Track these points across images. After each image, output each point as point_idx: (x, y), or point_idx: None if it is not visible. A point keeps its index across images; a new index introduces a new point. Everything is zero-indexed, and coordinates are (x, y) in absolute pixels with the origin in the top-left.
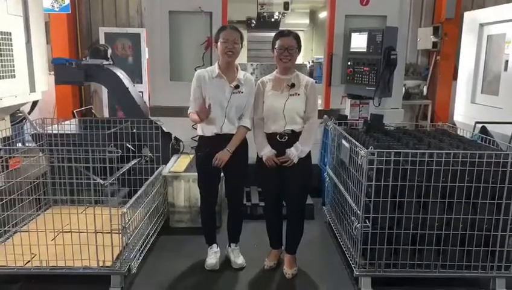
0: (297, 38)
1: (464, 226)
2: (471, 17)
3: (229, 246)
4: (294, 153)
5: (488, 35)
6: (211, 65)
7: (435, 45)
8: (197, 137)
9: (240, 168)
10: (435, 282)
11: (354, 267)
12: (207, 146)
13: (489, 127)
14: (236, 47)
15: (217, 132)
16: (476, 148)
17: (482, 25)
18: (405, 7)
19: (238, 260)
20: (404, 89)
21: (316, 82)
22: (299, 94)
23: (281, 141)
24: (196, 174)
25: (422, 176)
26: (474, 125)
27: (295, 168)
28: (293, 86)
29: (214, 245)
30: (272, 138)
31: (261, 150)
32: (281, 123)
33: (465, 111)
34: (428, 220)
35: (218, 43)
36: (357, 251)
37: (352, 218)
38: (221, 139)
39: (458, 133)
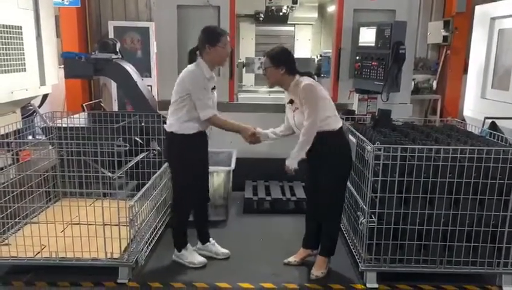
0: (270, 56)
1: (470, 222)
2: (483, 11)
3: (208, 242)
4: (287, 162)
5: (499, 29)
6: None
7: (445, 39)
8: (169, 140)
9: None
10: (441, 278)
11: (360, 262)
12: (200, 143)
13: (499, 122)
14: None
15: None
16: (484, 144)
17: (493, 19)
18: (414, 1)
19: (223, 250)
20: (413, 83)
21: (323, 76)
22: (298, 108)
23: None
24: None
25: (428, 171)
26: (484, 121)
27: (316, 169)
28: (291, 102)
29: (189, 244)
30: None
31: None
32: (297, 134)
33: (475, 106)
34: (434, 216)
35: (217, 48)
36: (363, 246)
37: (358, 213)
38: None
39: (467, 128)
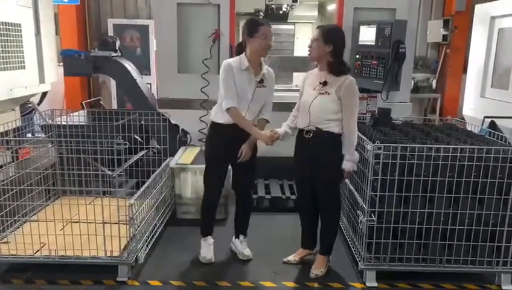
0: (323, 30)
1: (470, 221)
2: (483, 10)
3: (237, 238)
4: (347, 166)
5: (499, 29)
6: (218, 58)
7: (445, 37)
8: (208, 126)
9: (251, 161)
10: (440, 277)
11: (359, 261)
12: (225, 134)
13: (498, 121)
14: (272, 43)
15: None
16: (483, 143)
17: (493, 18)
18: (414, 0)
19: (246, 251)
20: (413, 82)
21: None
22: (329, 93)
23: (306, 137)
24: (203, 166)
25: (428, 170)
26: (483, 120)
27: (322, 162)
28: (325, 84)
29: (209, 237)
30: (299, 133)
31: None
32: (305, 120)
33: (474, 105)
34: (434, 214)
35: (255, 38)
36: (363, 245)
37: (358, 212)
38: (239, 129)
39: (467, 127)
